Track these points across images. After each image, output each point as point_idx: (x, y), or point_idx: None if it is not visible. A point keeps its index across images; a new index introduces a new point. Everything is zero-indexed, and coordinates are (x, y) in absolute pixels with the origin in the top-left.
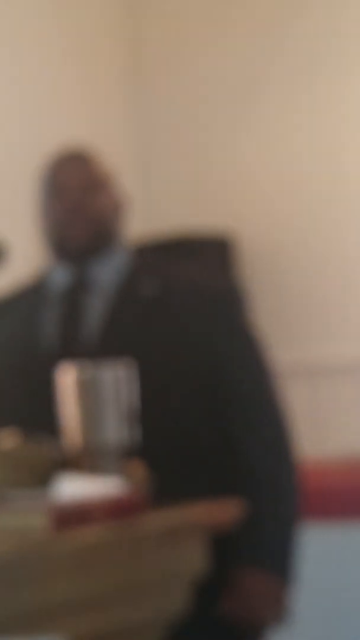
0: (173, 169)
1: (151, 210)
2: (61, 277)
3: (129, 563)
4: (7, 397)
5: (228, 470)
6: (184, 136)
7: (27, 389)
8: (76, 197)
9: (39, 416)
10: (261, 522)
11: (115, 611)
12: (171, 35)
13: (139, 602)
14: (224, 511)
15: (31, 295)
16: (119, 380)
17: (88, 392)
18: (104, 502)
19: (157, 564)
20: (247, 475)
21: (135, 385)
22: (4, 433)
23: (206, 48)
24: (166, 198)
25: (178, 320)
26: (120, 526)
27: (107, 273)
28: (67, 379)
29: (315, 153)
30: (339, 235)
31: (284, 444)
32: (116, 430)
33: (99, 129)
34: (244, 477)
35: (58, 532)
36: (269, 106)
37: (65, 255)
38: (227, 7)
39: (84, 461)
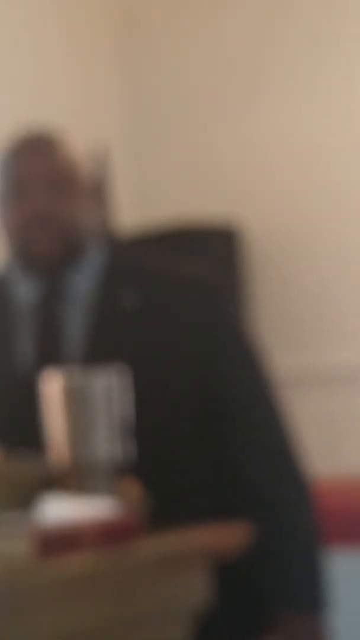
0: (171, 153)
1: (147, 199)
2: (28, 287)
3: (122, 595)
4: None
5: (230, 486)
6: (183, 117)
7: (8, 409)
8: (42, 200)
9: (22, 430)
10: (283, 559)
11: None
12: (170, 11)
13: (135, 639)
14: (229, 535)
15: None
16: (111, 388)
17: (77, 402)
18: (95, 525)
19: (154, 595)
20: (249, 488)
21: (129, 393)
22: None
23: (207, 24)
24: (164, 185)
25: (168, 329)
26: (113, 553)
27: (83, 281)
28: (52, 387)
29: (329, 133)
30: (357, 225)
31: (289, 449)
32: (108, 444)
33: (91, 110)
34: (246, 490)
35: (42, 560)
36: (274, 86)
37: (30, 266)
38: None
39: (71, 479)
